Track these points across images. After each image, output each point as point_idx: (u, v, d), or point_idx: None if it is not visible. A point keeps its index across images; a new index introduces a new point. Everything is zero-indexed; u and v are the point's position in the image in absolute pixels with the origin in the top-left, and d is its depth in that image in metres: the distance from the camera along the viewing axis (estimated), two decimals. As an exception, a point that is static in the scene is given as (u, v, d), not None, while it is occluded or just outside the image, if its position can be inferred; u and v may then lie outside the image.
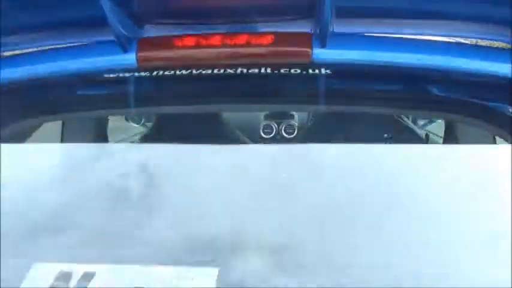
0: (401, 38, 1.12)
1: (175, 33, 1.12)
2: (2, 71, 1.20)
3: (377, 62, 1.09)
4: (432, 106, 1.21)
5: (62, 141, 1.78)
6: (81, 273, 0.65)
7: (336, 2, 1.01)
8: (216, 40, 1.08)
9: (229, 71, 1.14)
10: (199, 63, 1.12)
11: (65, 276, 0.65)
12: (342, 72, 1.13)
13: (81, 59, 1.18)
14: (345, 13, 1.07)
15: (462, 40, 1.17)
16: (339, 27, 1.09)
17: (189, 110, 1.38)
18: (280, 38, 1.09)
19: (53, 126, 1.77)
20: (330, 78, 1.13)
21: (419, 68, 1.09)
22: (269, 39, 1.08)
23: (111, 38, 1.10)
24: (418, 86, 1.17)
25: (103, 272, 0.65)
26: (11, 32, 1.17)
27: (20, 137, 1.37)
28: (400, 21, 1.13)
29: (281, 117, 2.13)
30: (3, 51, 1.26)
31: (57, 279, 0.65)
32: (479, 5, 1.06)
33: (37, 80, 1.21)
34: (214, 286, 0.63)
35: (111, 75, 1.17)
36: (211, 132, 1.76)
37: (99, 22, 1.06)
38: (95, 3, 0.99)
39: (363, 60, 1.10)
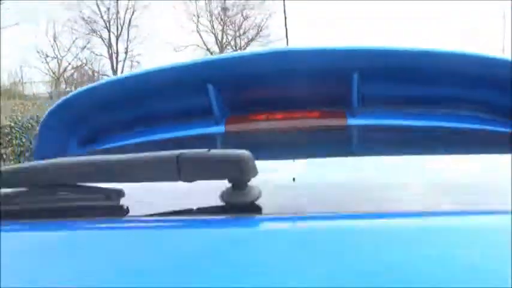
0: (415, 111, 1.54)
1: (252, 111, 1.58)
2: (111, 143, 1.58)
3: (397, 125, 1.49)
4: None
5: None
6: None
7: (362, 93, 1.47)
8: (280, 115, 1.56)
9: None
10: (268, 132, 1.55)
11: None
12: (370, 132, 1.53)
13: (181, 131, 1.57)
14: (369, 101, 1.52)
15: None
16: (366, 106, 1.54)
17: None
18: (324, 114, 1.57)
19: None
20: (361, 139, 1.55)
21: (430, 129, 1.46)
22: (316, 114, 1.57)
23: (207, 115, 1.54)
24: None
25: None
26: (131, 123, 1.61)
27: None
28: (412, 106, 1.55)
29: None
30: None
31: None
32: (480, 96, 1.45)
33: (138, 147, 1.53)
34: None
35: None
36: None
37: (200, 107, 1.52)
38: (204, 96, 1.47)
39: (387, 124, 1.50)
